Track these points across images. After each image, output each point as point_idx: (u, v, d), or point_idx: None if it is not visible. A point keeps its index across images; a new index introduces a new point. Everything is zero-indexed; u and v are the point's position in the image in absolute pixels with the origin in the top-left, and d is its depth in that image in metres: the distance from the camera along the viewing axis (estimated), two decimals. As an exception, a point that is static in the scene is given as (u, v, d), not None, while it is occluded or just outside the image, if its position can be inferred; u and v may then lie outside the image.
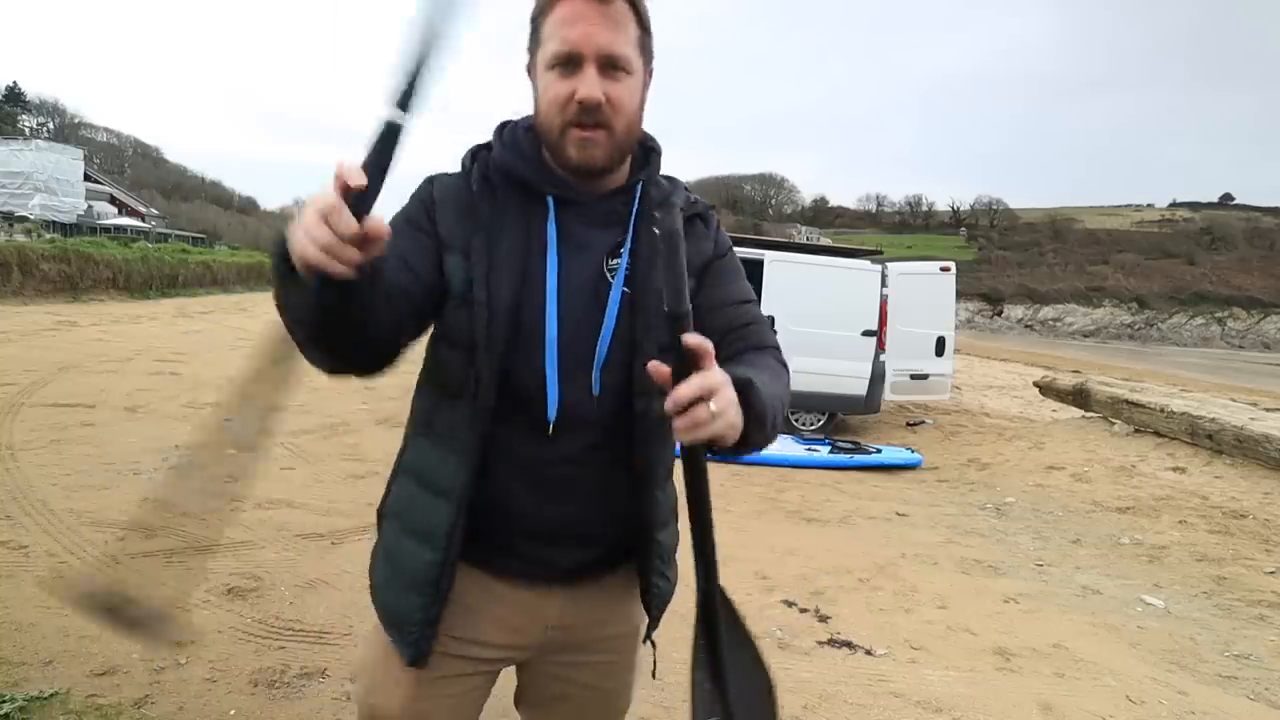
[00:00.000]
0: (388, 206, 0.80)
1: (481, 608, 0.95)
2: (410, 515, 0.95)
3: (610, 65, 0.86)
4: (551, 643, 1.00)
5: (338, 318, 0.71)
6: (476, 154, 0.97)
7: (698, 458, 0.77)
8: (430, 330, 0.93)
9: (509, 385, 0.89)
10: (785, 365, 0.97)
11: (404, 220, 0.93)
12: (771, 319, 7.07)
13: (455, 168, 0.99)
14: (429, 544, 0.91)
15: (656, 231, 0.75)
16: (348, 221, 0.61)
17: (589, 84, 0.85)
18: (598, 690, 1.04)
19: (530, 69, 0.93)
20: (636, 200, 0.96)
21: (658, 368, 0.70)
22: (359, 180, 0.61)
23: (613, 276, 0.92)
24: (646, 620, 1.04)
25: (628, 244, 0.94)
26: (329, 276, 0.63)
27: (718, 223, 1.05)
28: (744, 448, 0.77)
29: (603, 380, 0.90)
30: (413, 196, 0.96)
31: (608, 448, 0.92)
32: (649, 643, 1.05)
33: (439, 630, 0.92)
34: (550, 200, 0.92)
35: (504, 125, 0.99)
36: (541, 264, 0.90)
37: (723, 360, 0.84)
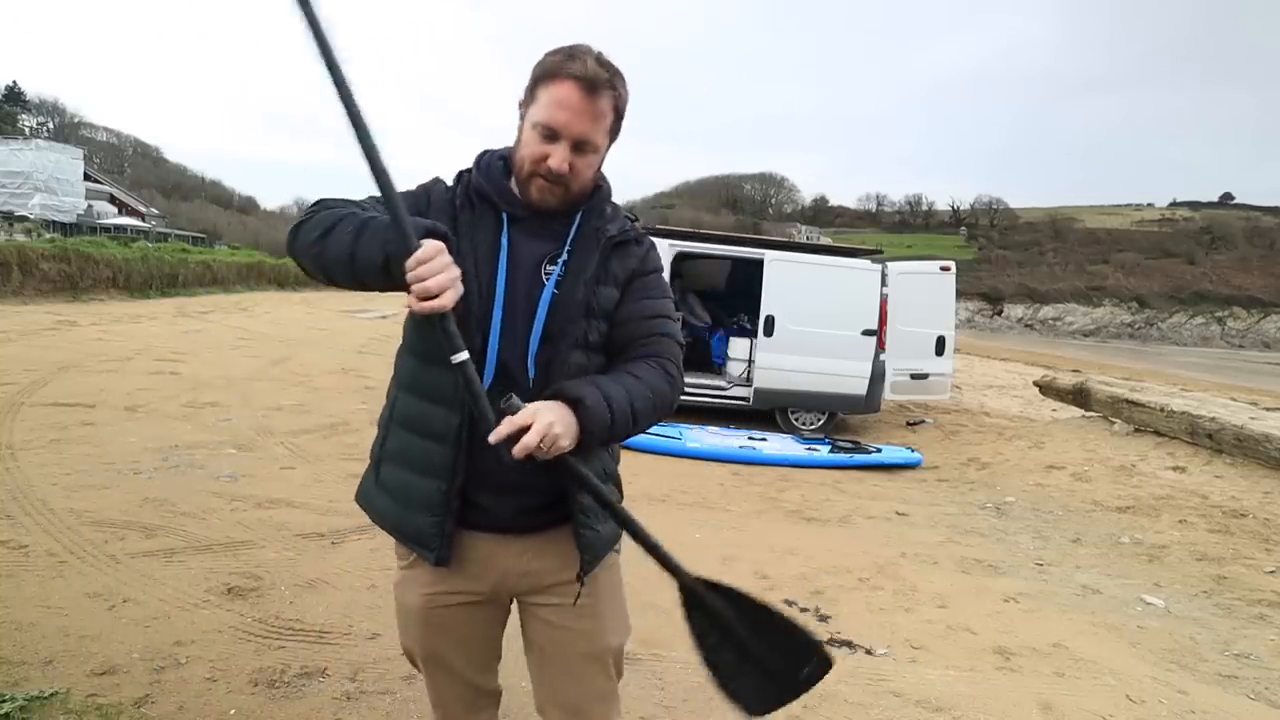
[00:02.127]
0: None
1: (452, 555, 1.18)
2: (412, 456, 1.18)
3: (580, 146, 1.11)
4: (514, 586, 1.23)
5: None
6: (462, 176, 1.22)
7: (561, 468, 1.03)
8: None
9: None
10: (670, 372, 1.18)
11: (408, 196, 1.17)
12: (771, 318, 7.08)
13: (460, 165, 1.25)
14: (435, 477, 1.14)
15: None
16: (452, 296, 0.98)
17: (560, 158, 1.10)
18: (571, 630, 1.23)
19: (521, 112, 1.15)
20: (576, 224, 1.19)
21: (498, 435, 0.97)
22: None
23: (546, 279, 1.15)
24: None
25: (563, 255, 1.17)
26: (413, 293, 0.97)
27: (650, 247, 1.26)
28: (589, 447, 1.03)
29: (536, 363, 1.13)
30: (420, 185, 1.23)
31: None
32: (579, 581, 1.20)
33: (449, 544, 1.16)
34: (504, 217, 1.17)
35: (483, 155, 1.23)
36: (493, 267, 1.14)
37: (626, 360, 1.18)
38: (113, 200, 36.68)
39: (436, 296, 0.94)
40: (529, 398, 1.02)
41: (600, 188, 1.22)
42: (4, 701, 1.91)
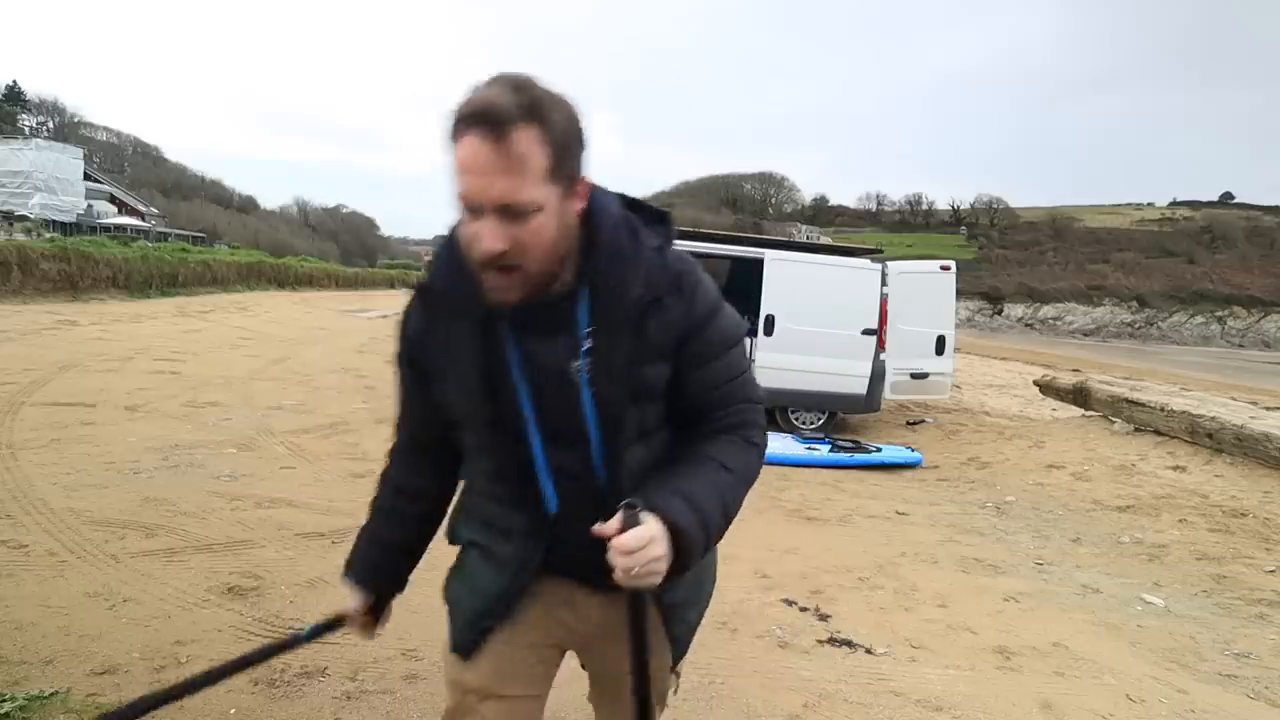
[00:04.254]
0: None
1: (543, 604, 1.10)
2: (482, 550, 1.10)
3: (510, 213, 0.83)
4: (596, 636, 1.13)
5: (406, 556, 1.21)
6: (423, 290, 1.01)
7: (639, 601, 0.94)
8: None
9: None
10: (757, 442, 1.04)
11: (405, 377, 1.08)
12: (771, 318, 7.07)
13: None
14: (503, 570, 1.06)
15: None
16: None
17: (488, 237, 0.83)
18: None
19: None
20: (586, 305, 0.94)
21: (601, 530, 0.86)
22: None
23: (578, 378, 0.95)
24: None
25: (584, 344, 0.94)
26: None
27: (696, 284, 0.99)
28: (680, 570, 0.90)
29: (604, 463, 0.98)
30: (397, 355, 1.07)
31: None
32: (675, 674, 1.20)
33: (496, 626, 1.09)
34: (505, 327, 0.95)
35: (446, 241, 0.98)
36: (510, 383, 0.97)
37: (697, 433, 1.03)
38: (113, 200, 36.69)
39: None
40: (606, 504, 0.92)
41: (595, 242, 0.93)
42: (4, 701, 1.91)
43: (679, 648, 1.13)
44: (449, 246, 0.95)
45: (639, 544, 0.84)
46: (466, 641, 1.10)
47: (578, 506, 0.98)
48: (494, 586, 1.07)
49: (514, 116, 0.79)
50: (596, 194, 0.95)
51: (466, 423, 1.02)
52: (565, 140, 0.84)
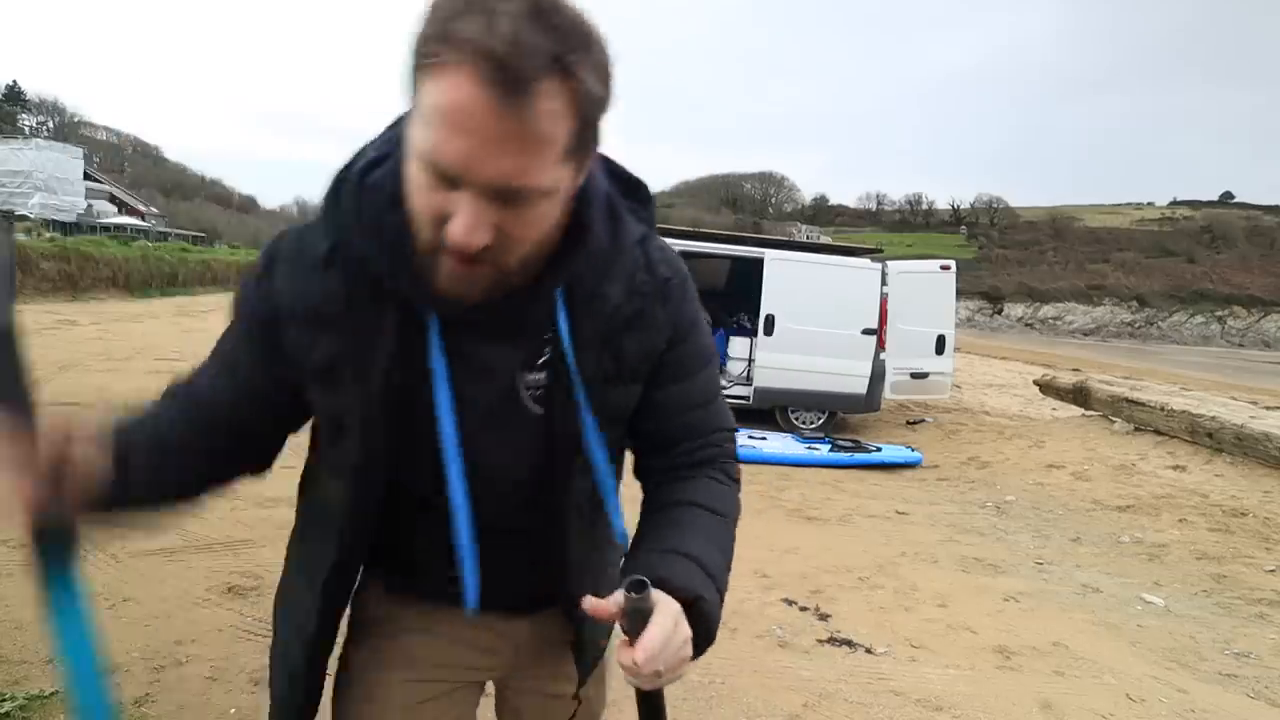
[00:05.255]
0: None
1: (457, 634, 0.89)
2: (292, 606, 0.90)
3: (507, 196, 0.58)
4: (523, 662, 0.94)
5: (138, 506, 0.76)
6: (338, 243, 0.69)
7: (655, 701, 0.77)
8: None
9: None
10: (736, 478, 0.88)
11: (244, 338, 0.76)
12: (771, 317, 7.07)
13: None
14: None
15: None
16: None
17: (467, 224, 0.58)
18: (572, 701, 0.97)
19: (410, 106, 0.60)
20: (561, 311, 0.72)
21: (596, 607, 0.64)
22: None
23: (528, 400, 0.75)
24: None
25: (544, 356, 0.74)
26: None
27: (679, 285, 0.81)
28: (703, 650, 0.72)
29: (529, 516, 0.80)
30: (242, 304, 0.76)
31: (534, 547, 0.84)
32: (577, 699, 0.95)
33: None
34: (433, 322, 0.69)
35: (360, 183, 0.68)
36: (425, 397, 0.70)
37: (665, 471, 0.84)
38: (112, 199, 36.74)
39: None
40: (513, 557, 0.79)
41: (581, 232, 0.70)
42: (5, 700, 1.91)
43: (584, 673, 0.93)
44: (373, 200, 0.67)
45: (664, 641, 0.63)
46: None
47: (504, 558, 0.79)
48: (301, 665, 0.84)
49: (541, 69, 0.54)
50: None
51: (339, 436, 0.75)
52: (596, 102, 0.59)
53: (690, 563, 0.74)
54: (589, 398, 0.74)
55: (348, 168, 0.69)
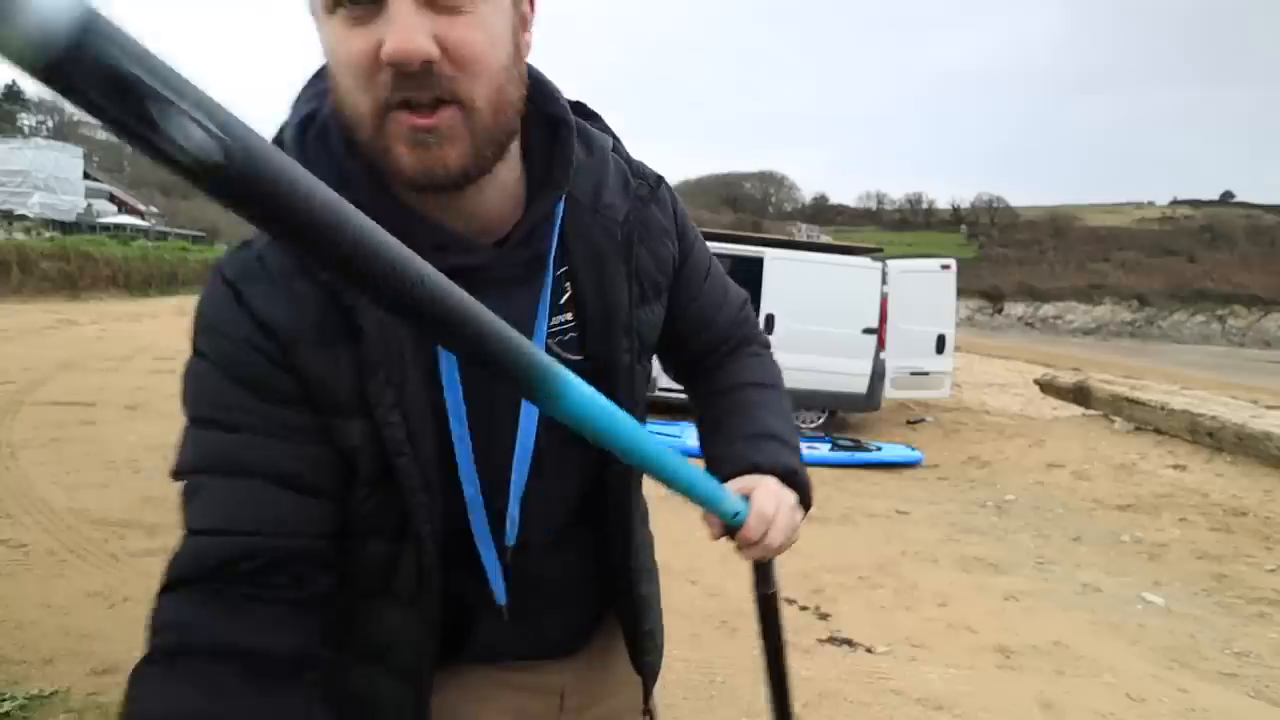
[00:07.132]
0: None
1: (489, 698, 0.76)
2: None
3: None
4: (570, 713, 0.82)
5: None
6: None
7: (771, 606, 0.78)
8: None
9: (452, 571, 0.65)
10: (769, 345, 0.89)
11: (250, 418, 0.56)
12: (771, 317, 7.07)
13: None
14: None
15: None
16: None
17: (399, 32, 0.48)
18: None
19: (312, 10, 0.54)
20: (556, 231, 0.64)
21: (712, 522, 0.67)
22: None
23: (561, 348, 0.66)
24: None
25: (551, 290, 0.64)
26: None
27: (669, 188, 0.75)
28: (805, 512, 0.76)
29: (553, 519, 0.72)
30: (228, 366, 0.56)
31: (574, 551, 0.77)
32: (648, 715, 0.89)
33: None
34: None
35: (300, 141, 0.58)
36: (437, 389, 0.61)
37: (707, 369, 0.84)
38: (112, 199, 36.73)
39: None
40: (568, 568, 0.76)
41: (561, 121, 0.64)
42: (5, 700, 1.91)
43: (651, 681, 0.86)
44: (322, 153, 0.57)
45: (775, 506, 0.67)
46: None
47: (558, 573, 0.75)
48: None
49: None
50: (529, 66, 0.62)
51: (381, 473, 0.60)
52: None
53: (774, 441, 0.76)
54: (627, 327, 0.68)
55: (278, 141, 0.58)
